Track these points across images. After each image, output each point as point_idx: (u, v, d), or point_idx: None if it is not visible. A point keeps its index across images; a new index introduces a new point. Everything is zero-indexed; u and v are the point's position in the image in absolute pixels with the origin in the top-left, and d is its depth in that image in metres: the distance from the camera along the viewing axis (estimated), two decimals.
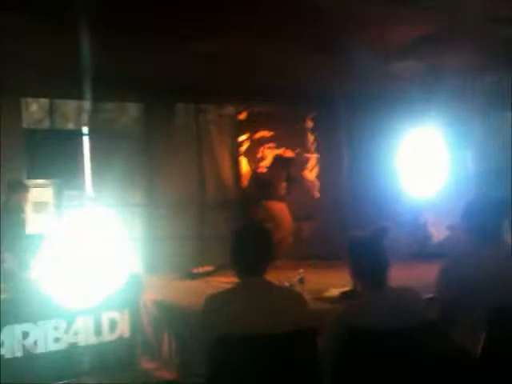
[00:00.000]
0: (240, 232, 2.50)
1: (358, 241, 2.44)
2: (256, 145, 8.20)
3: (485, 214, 2.66)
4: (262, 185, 7.45)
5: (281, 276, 4.21)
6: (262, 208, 7.22)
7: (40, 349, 4.05)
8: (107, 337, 4.34)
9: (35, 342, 4.03)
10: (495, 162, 8.77)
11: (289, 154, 8.46)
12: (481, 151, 8.96)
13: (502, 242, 2.66)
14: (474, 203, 2.82)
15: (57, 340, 4.12)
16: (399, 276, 2.48)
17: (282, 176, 7.42)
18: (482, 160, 8.90)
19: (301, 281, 4.36)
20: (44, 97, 7.06)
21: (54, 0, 4.26)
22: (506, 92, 8.15)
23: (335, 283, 4.80)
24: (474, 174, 8.81)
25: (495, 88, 8.08)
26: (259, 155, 8.15)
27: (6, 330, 3.90)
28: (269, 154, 8.36)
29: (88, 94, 6.72)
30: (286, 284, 4.27)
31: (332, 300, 4.23)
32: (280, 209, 7.11)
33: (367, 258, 2.39)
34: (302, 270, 4.50)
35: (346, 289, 4.27)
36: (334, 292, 4.40)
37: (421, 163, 7.35)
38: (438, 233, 8.23)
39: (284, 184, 7.42)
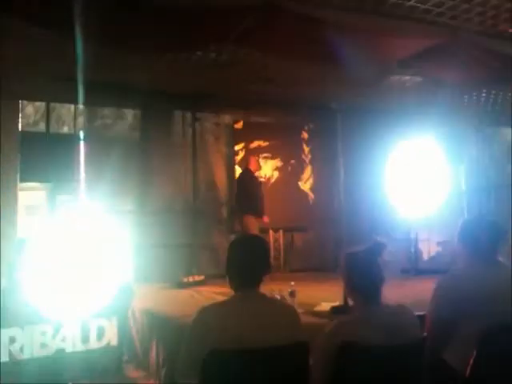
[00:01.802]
0: (235, 244, 2.48)
1: (355, 256, 2.43)
2: (251, 154, 8.19)
3: (482, 233, 2.66)
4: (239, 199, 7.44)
5: (272, 288, 4.19)
6: (241, 221, 7.20)
7: (26, 354, 4.00)
8: (95, 344, 4.29)
9: (21, 348, 3.98)
10: (488, 178, 8.83)
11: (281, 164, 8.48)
12: (474, 167, 9.02)
13: (497, 261, 2.66)
14: (471, 222, 2.83)
15: (43, 346, 4.08)
16: (390, 292, 2.47)
17: (258, 192, 7.37)
18: (475, 176, 8.96)
19: (292, 294, 4.34)
20: (42, 100, 7.03)
21: (54, 6, 4.25)
22: (501, 107, 8.22)
23: (326, 297, 4.79)
24: (467, 190, 8.87)
25: (490, 103, 8.14)
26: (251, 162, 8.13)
27: None
28: (264, 164, 8.37)
29: (85, 98, 6.73)
30: (277, 296, 4.25)
31: (323, 315, 4.20)
32: (252, 224, 7.08)
33: (363, 273, 2.37)
34: (293, 283, 4.48)
35: (337, 303, 4.26)
36: (325, 306, 4.38)
37: (414, 178, 7.36)
38: (429, 249, 8.26)
39: (259, 200, 7.37)
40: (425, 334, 2.49)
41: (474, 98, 8.11)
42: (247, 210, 7.15)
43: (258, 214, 7.23)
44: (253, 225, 7.07)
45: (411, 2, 5.06)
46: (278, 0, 4.67)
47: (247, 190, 7.24)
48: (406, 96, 7.58)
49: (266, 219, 7.27)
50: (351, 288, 2.46)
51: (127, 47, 5.19)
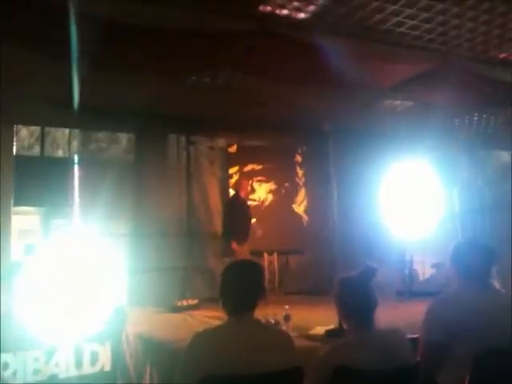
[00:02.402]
0: (230, 269, 2.48)
1: (347, 281, 2.44)
2: (245, 178, 8.23)
3: (474, 256, 2.68)
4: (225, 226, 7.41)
5: (267, 312, 4.19)
6: (228, 247, 7.17)
7: (19, 380, 3.95)
8: (88, 369, 4.25)
9: (14, 373, 3.94)
10: (482, 200, 8.88)
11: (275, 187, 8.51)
12: (467, 189, 9.08)
13: (489, 285, 2.68)
14: (463, 245, 2.85)
15: (36, 372, 4.03)
16: (383, 315, 2.48)
17: (241, 218, 7.35)
18: (469, 198, 9.02)
19: (286, 318, 4.33)
20: (36, 125, 7.06)
21: (49, 31, 4.31)
22: (493, 131, 8.31)
23: (321, 320, 4.77)
24: (461, 212, 8.91)
25: (482, 127, 8.23)
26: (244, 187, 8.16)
27: None
28: (258, 187, 8.40)
29: (79, 123, 6.77)
30: (272, 320, 4.25)
31: (317, 338, 4.19)
32: (242, 252, 7.05)
33: (355, 298, 2.38)
34: (287, 307, 4.47)
35: (332, 327, 4.25)
36: (320, 330, 4.36)
37: (408, 200, 7.40)
38: (423, 271, 8.26)
39: (245, 226, 7.35)
40: (418, 357, 2.49)
41: (466, 121, 8.21)
42: (233, 236, 7.09)
43: (242, 239, 7.17)
44: (242, 251, 7.00)
45: (402, 29, 5.16)
46: (272, 26, 4.77)
47: (235, 216, 7.20)
48: (398, 120, 7.66)
49: (234, 246, 7.09)
50: (344, 313, 2.47)
51: (122, 71, 5.25)
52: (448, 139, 8.33)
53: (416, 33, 5.25)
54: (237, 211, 7.23)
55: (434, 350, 2.55)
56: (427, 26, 5.09)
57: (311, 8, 4.74)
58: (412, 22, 5.05)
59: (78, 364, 4.19)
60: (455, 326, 2.49)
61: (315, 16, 4.83)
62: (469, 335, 2.45)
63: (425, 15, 4.89)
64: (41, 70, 5.18)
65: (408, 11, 4.83)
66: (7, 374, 3.90)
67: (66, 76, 4.90)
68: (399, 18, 4.96)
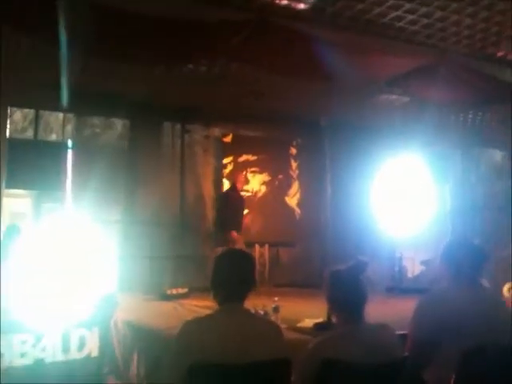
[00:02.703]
0: (222, 258, 2.47)
1: (337, 274, 2.44)
2: (239, 168, 8.21)
3: (465, 255, 2.68)
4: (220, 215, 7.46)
5: (256, 303, 4.18)
6: (223, 236, 7.21)
7: (5, 362, 3.94)
8: (75, 354, 4.24)
9: (0, 356, 3.92)
10: (474, 198, 8.90)
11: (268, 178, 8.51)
12: (459, 187, 9.10)
13: (479, 284, 2.69)
14: (454, 244, 2.86)
15: (23, 355, 4.02)
16: (372, 310, 2.48)
17: (237, 209, 7.41)
18: (460, 195, 9.04)
19: (275, 309, 4.33)
20: (31, 107, 7.01)
21: (43, 15, 4.26)
22: (488, 129, 8.32)
23: (310, 312, 4.78)
24: (452, 209, 8.94)
25: (477, 124, 8.24)
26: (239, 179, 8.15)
27: None
28: (251, 178, 8.39)
29: (74, 107, 6.72)
30: (261, 311, 4.25)
31: (306, 331, 4.19)
32: (238, 239, 7.11)
33: (345, 291, 2.38)
34: (277, 299, 4.47)
35: (321, 320, 4.26)
36: (309, 323, 4.37)
37: (400, 196, 7.41)
38: (413, 268, 8.29)
39: (239, 216, 7.41)
40: (406, 353, 2.50)
41: (461, 118, 8.21)
42: (231, 226, 7.15)
43: (239, 229, 7.24)
44: (238, 239, 7.07)
45: (401, 23, 5.14)
46: (271, 16, 4.73)
47: (232, 207, 7.24)
48: (394, 114, 7.66)
49: (234, 234, 7.20)
50: (333, 306, 2.47)
51: (118, 58, 5.21)
52: (442, 136, 8.34)
53: (415, 28, 5.24)
54: (233, 202, 7.26)
55: (422, 346, 2.55)
56: (426, 21, 5.09)
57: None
58: (411, 17, 5.04)
59: (65, 349, 4.18)
60: (444, 323, 2.49)
61: (314, 7, 4.81)
62: (457, 332, 2.46)
63: (424, 10, 4.89)
64: (35, 52, 5.14)
65: (408, 5, 4.82)
66: None
67: (62, 60, 4.86)
68: (399, 12, 4.95)
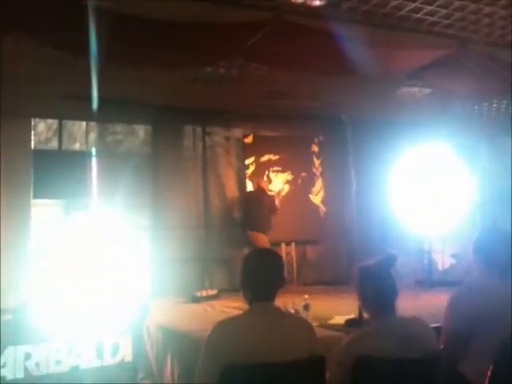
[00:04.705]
0: (251, 257, 2.48)
1: (367, 269, 2.43)
2: (262, 168, 8.22)
3: (496, 246, 2.66)
4: (246, 216, 7.52)
5: (286, 301, 4.18)
6: (248, 237, 7.24)
7: (42, 371, 4.00)
8: (109, 360, 4.29)
9: (37, 364, 3.98)
10: (502, 189, 8.76)
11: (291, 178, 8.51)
12: (487, 178, 8.96)
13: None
14: (486, 235, 2.83)
15: (58, 362, 4.08)
16: (403, 304, 2.46)
17: (264, 210, 7.45)
18: (488, 187, 8.90)
19: (306, 307, 4.32)
20: (54, 118, 7.12)
21: (64, 24, 4.32)
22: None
23: (340, 309, 4.77)
24: (480, 200, 8.81)
25: (502, 113, 8.11)
26: (265, 179, 8.16)
27: (7, 351, 3.86)
28: (274, 178, 8.39)
29: (96, 115, 6.80)
30: (291, 310, 4.24)
31: (337, 328, 4.18)
32: (261, 240, 7.14)
33: (376, 286, 2.37)
34: (307, 296, 4.46)
35: (352, 316, 4.24)
36: (339, 320, 4.36)
37: (426, 189, 7.33)
38: (443, 261, 8.19)
39: (267, 217, 7.43)
40: (441, 346, 2.48)
41: (485, 108, 8.10)
42: (256, 226, 7.20)
43: (265, 229, 7.27)
44: (263, 240, 7.10)
45: (419, 15, 5.09)
46: (286, 14, 4.73)
47: (257, 208, 7.29)
48: (417, 107, 7.58)
49: (259, 235, 7.26)
50: (365, 301, 2.46)
51: (137, 63, 5.26)
52: (467, 126, 8.23)
53: (433, 18, 5.16)
54: (258, 202, 7.30)
55: (457, 338, 2.53)
56: (445, 11, 5.01)
57: None
58: (429, 8, 4.97)
59: (99, 355, 4.22)
60: (478, 315, 2.47)
61: (330, 3, 4.78)
62: (492, 324, 2.43)
63: (441, 0, 4.82)
64: (56, 63, 5.21)
65: None
66: (30, 364, 3.94)
67: (83, 70, 4.92)
68: (416, 4, 4.88)
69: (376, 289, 2.38)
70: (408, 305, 2.61)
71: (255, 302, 2.36)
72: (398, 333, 2.28)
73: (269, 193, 7.78)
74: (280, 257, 2.57)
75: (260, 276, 2.37)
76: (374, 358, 2.18)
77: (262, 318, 2.31)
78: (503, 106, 8.01)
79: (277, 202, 7.78)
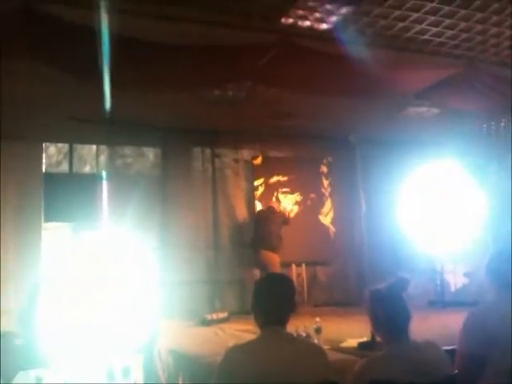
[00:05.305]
0: (263, 282, 2.49)
1: (378, 293, 2.42)
2: (271, 189, 8.23)
3: (510, 266, 2.63)
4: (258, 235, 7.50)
5: (297, 324, 4.16)
6: (259, 256, 7.23)
7: None
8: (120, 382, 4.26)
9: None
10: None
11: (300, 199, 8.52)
12: (497, 197, 8.90)
13: None
14: (500, 254, 2.80)
15: None
16: (416, 326, 2.44)
17: (276, 228, 7.45)
18: (499, 205, 8.84)
19: (317, 330, 4.29)
20: (64, 142, 7.19)
21: (73, 49, 4.39)
22: None
23: (352, 332, 4.73)
24: (491, 219, 8.74)
25: (510, 131, 8.08)
26: (274, 200, 8.16)
27: (19, 375, 3.86)
28: (283, 199, 8.38)
29: (106, 138, 6.87)
30: (303, 333, 4.22)
31: (350, 351, 4.14)
32: (272, 259, 7.14)
33: (387, 310, 2.36)
34: (318, 319, 4.43)
35: (364, 339, 4.20)
36: (352, 342, 4.31)
37: (437, 208, 7.30)
38: (455, 280, 8.12)
39: (278, 236, 7.44)
40: (455, 370, 2.44)
41: (493, 127, 8.09)
42: (266, 246, 7.20)
43: (275, 249, 7.28)
44: (274, 260, 7.10)
45: (426, 36, 5.13)
46: (294, 37, 4.78)
47: (268, 227, 7.30)
48: (425, 127, 7.59)
49: (270, 255, 7.25)
50: (377, 325, 2.45)
51: (146, 86, 5.31)
52: (476, 145, 8.21)
53: (440, 40, 5.21)
54: (269, 222, 7.35)
55: (472, 362, 2.49)
56: (451, 32, 5.06)
57: (333, 19, 4.75)
58: (435, 29, 5.02)
59: (111, 378, 4.20)
60: (493, 338, 2.44)
61: (337, 26, 4.83)
62: (506, 348, 2.40)
63: (448, 22, 4.86)
64: (66, 87, 5.28)
65: (431, 18, 4.80)
66: None
67: (92, 93, 4.98)
68: (423, 26, 4.93)
69: (388, 313, 2.36)
70: (421, 327, 2.59)
71: (266, 327, 2.35)
72: (411, 357, 2.27)
73: (279, 211, 7.78)
74: (291, 282, 2.57)
75: (271, 301, 2.37)
76: (387, 383, 2.16)
77: (273, 344, 2.31)
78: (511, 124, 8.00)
79: (287, 213, 7.82)
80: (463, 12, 4.69)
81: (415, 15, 4.73)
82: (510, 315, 2.49)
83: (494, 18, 4.82)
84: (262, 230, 7.42)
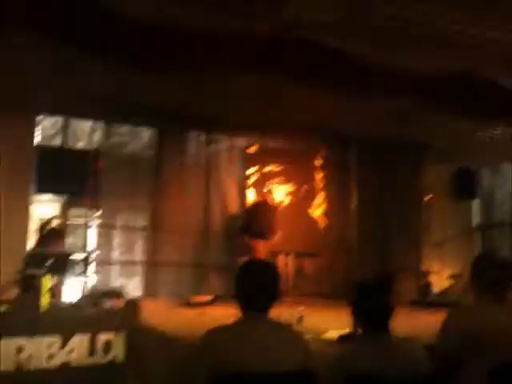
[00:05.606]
0: (245, 268, 2.48)
1: (365, 286, 2.44)
2: (263, 178, 8.24)
3: (494, 270, 2.66)
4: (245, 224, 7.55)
5: (280, 312, 4.17)
6: (245, 243, 7.26)
7: (33, 365, 3.97)
8: (100, 359, 4.27)
9: (29, 358, 3.96)
10: (502, 214, 8.76)
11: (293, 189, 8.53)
12: (487, 202, 8.97)
13: (508, 299, 2.66)
14: (484, 259, 2.84)
15: (50, 357, 4.05)
16: (397, 324, 2.47)
17: (266, 217, 7.48)
18: (489, 211, 8.90)
19: (299, 320, 4.31)
20: (59, 115, 7.13)
21: (71, 26, 4.37)
22: None
23: (335, 323, 4.75)
24: (481, 224, 8.81)
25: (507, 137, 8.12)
26: (266, 189, 8.18)
27: (1, 343, 3.85)
28: (276, 189, 8.40)
29: (102, 115, 6.84)
30: (284, 321, 4.23)
31: (330, 342, 4.17)
32: (258, 246, 7.18)
33: (372, 304, 2.38)
34: (301, 309, 4.45)
35: (346, 331, 4.23)
36: (334, 334, 4.34)
37: (425, 209, 7.34)
38: (441, 282, 8.18)
39: (267, 225, 7.47)
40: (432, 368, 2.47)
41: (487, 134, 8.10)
42: (256, 233, 7.22)
43: (265, 237, 7.30)
44: (262, 248, 7.13)
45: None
46: (294, 29, 4.77)
47: (261, 216, 7.31)
48: (419, 126, 7.60)
49: (258, 242, 7.32)
50: (360, 317, 2.47)
51: (145, 68, 5.29)
52: (469, 151, 8.25)
53: (444, 39, 5.19)
54: (262, 211, 7.39)
55: (450, 362, 2.52)
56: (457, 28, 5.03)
57: (335, 12, 4.72)
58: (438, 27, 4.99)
59: (91, 353, 4.20)
60: (471, 339, 2.47)
61: (339, 20, 4.81)
62: (486, 349, 2.43)
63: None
64: (64, 62, 5.24)
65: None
66: (22, 358, 3.92)
67: (92, 71, 4.96)
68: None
69: (372, 306, 2.39)
70: (401, 325, 2.61)
71: (247, 310, 2.36)
72: (389, 352, 2.29)
73: (271, 200, 7.80)
74: (276, 269, 2.55)
75: (253, 286, 2.36)
76: (363, 375, 2.18)
77: (254, 328, 2.31)
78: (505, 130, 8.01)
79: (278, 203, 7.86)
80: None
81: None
82: (488, 319, 2.52)
83: None
84: (251, 218, 7.44)
